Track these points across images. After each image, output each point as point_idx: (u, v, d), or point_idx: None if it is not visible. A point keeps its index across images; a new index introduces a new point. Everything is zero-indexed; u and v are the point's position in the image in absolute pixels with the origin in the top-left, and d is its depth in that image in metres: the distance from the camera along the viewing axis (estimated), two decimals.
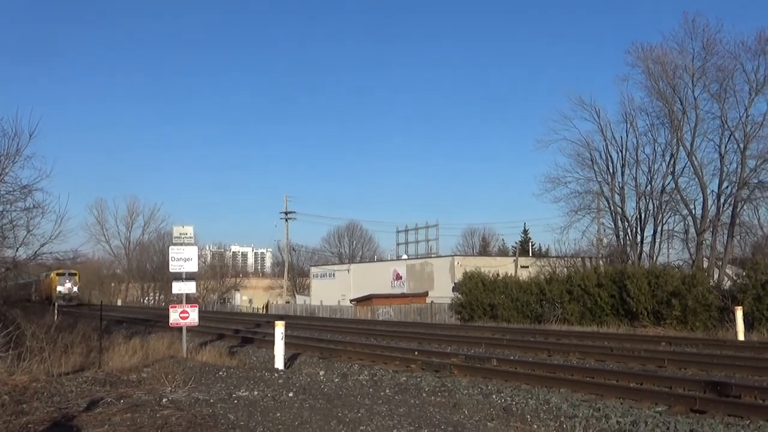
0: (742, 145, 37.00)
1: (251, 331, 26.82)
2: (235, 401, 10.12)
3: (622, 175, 42.23)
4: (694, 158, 38.92)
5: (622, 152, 42.47)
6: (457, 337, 22.03)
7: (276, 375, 13.14)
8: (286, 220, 62.42)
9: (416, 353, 17.44)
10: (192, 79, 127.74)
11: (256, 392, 10.88)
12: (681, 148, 39.83)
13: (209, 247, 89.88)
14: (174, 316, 16.78)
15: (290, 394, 10.63)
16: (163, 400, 10.16)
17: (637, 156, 42.05)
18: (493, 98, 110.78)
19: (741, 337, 20.44)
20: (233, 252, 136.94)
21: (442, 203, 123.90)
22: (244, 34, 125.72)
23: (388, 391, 11.54)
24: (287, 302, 66.39)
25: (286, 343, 15.79)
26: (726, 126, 37.95)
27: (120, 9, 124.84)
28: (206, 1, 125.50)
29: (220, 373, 13.15)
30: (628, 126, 42.26)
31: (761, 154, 36.38)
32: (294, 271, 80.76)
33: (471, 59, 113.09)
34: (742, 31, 58.40)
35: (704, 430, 8.41)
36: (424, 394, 11.35)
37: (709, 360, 14.64)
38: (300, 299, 68.13)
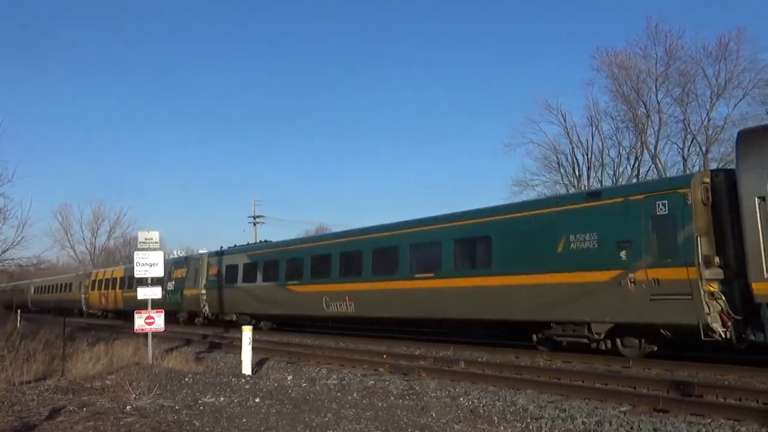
0: (704, 149, 37.78)
1: (219, 336, 26.55)
2: (201, 407, 10.03)
3: (588, 177, 42.88)
4: (657, 161, 39.64)
5: (587, 155, 43.17)
6: (420, 339, 22.07)
7: (243, 380, 13.04)
8: (255, 224, 62.01)
9: (384, 356, 17.45)
10: (159, 81, 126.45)
11: (222, 398, 10.78)
12: (645, 151, 40.57)
13: (177, 252, 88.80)
14: (139, 322, 16.56)
15: (257, 400, 10.55)
16: (127, 407, 10.04)
17: (602, 159, 42.76)
18: (461, 100, 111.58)
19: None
20: None
21: (410, 206, 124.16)
22: (212, 35, 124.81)
23: (355, 394, 11.52)
24: None
25: (254, 348, 15.67)
26: (688, 130, 38.75)
27: (79, 10, 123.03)
28: (163, 2, 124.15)
29: (186, 379, 13.01)
30: (594, 129, 43.00)
31: (723, 157, 37.15)
32: None
33: (438, 60, 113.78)
34: (703, 37, 59.35)
35: (667, 429, 8.53)
36: (392, 397, 11.36)
37: (673, 360, 14.85)
38: None
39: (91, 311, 49.81)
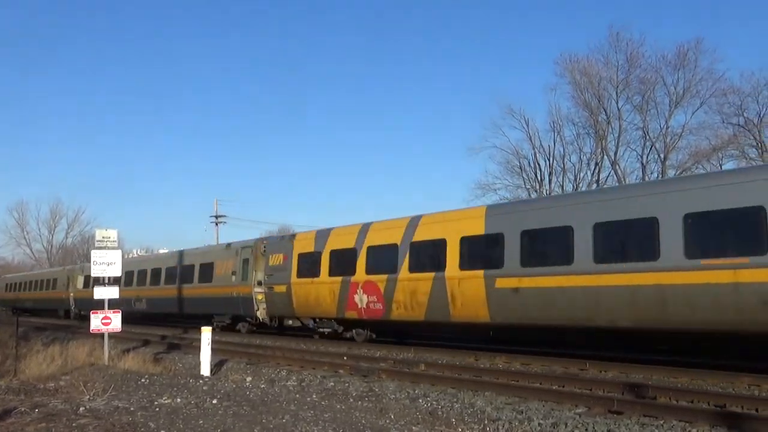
0: (662, 156, 38.54)
1: (178, 337, 26.25)
2: (157, 409, 9.89)
3: (550, 182, 43.47)
4: (617, 167, 40.32)
5: (549, 160, 43.78)
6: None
7: (201, 382, 12.92)
8: (217, 224, 61.42)
9: (345, 358, 17.42)
10: (118, 75, 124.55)
11: (179, 399, 10.66)
12: (605, 157, 41.22)
13: (136, 251, 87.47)
14: (95, 322, 16.27)
15: (214, 401, 10.46)
16: (81, 409, 9.86)
17: (563, 164, 43.39)
18: (424, 104, 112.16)
19: None
20: None
21: (374, 208, 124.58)
22: (169, 28, 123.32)
23: (315, 396, 11.48)
24: None
25: (213, 349, 15.52)
26: (648, 137, 39.53)
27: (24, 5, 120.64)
28: None
29: (143, 381, 12.84)
30: (556, 135, 43.62)
31: (680, 164, 37.96)
32: None
33: (405, 61, 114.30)
34: (663, 46, 60.73)
35: (620, 430, 8.67)
36: (351, 399, 11.34)
37: (630, 362, 15.10)
38: None
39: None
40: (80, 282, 42.17)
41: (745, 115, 38.30)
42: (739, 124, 38.43)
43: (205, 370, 14.69)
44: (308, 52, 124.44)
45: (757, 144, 37.84)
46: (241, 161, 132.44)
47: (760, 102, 38.02)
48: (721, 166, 37.38)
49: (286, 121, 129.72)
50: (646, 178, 37.93)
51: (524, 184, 44.11)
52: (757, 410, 9.58)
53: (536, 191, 42.59)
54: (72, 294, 43.91)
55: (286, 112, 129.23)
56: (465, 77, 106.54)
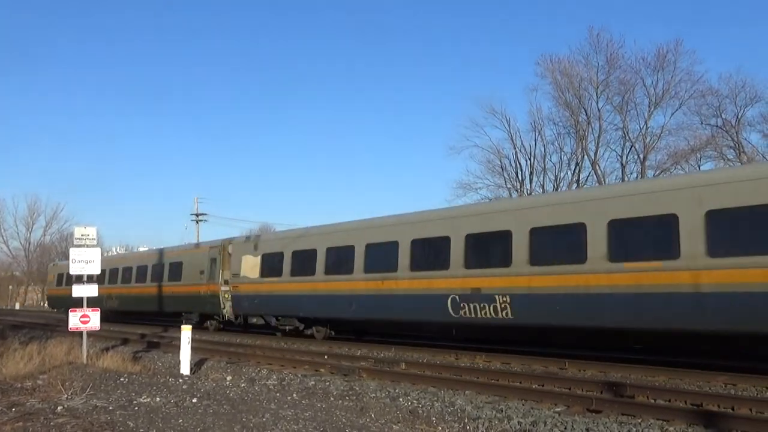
0: (641, 156, 38.90)
1: (158, 336, 26.09)
2: (136, 408, 9.83)
3: (530, 182, 43.73)
4: (597, 167, 40.63)
5: (530, 160, 44.02)
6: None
7: (181, 380, 12.85)
8: (197, 222, 61.10)
9: (326, 357, 17.41)
10: (97, 72, 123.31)
11: (158, 398, 10.59)
12: (585, 157, 41.52)
13: (116, 249, 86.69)
14: (74, 320, 16.12)
15: (194, 400, 10.41)
16: (59, 408, 9.77)
17: (544, 164, 43.66)
18: (406, 104, 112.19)
19: None
20: None
21: (354, 206, 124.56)
22: (146, 26, 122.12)
23: (295, 395, 11.47)
24: None
25: (194, 348, 15.44)
26: (627, 137, 39.89)
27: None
28: None
29: (122, 379, 12.75)
30: (537, 135, 43.86)
31: (659, 164, 38.34)
32: None
33: (385, 60, 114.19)
34: (642, 48, 61.38)
35: (599, 428, 8.75)
36: (332, 398, 11.34)
37: (608, 361, 15.25)
38: None
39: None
40: (249, 265, 25.18)
41: (722, 116, 38.82)
42: (717, 125, 38.92)
43: (185, 369, 14.60)
44: (291, 51, 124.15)
45: (735, 145, 38.33)
46: (223, 159, 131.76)
47: (738, 104, 38.58)
48: (699, 166, 37.86)
49: (267, 120, 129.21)
50: (626, 179, 38.29)
51: (505, 183, 44.38)
52: (733, 408, 9.71)
53: (517, 190, 42.83)
54: (229, 287, 26.27)
55: (266, 110, 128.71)
56: (447, 78, 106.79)
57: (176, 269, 30.17)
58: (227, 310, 26.53)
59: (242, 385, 12.72)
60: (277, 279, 23.55)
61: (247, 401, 10.43)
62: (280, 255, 23.62)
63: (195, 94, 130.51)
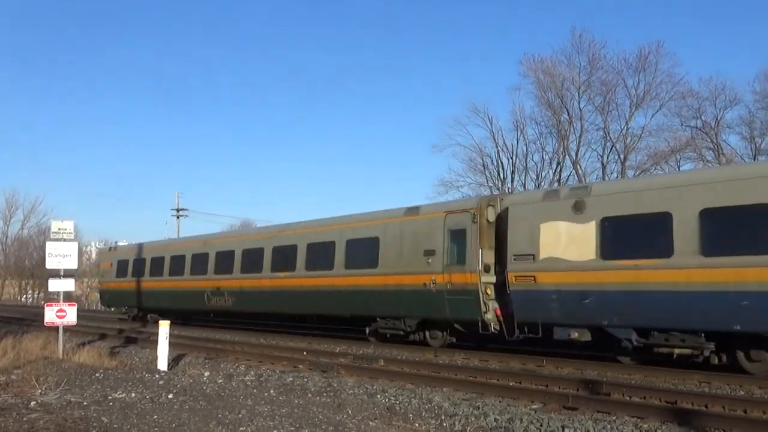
0: (622, 156, 39.19)
1: (136, 331, 25.87)
2: (111, 403, 9.75)
3: (512, 181, 43.89)
4: (578, 167, 40.88)
5: (512, 159, 44.19)
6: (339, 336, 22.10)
7: (157, 376, 12.76)
8: (178, 217, 60.67)
9: (305, 353, 17.38)
10: (75, 67, 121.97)
11: (133, 394, 10.52)
12: (567, 156, 41.75)
13: (95, 244, 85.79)
14: (50, 315, 15.98)
15: (170, 396, 10.34)
16: (32, 403, 9.67)
17: (526, 163, 43.85)
18: (389, 102, 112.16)
19: None
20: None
21: (337, 204, 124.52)
22: (127, 18, 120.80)
23: (272, 391, 11.43)
24: None
25: (171, 343, 15.32)
26: (608, 137, 40.16)
27: None
28: None
29: (97, 375, 12.63)
30: (519, 134, 44.03)
31: (639, 165, 38.64)
32: None
33: (369, 58, 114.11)
34: (624, 49, 61.80)
35: (574, 426, 8.80)
36: (309, 395, 11.32)
37: (585, 359, 15.35)
38: None
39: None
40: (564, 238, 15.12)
41: (702, 118, 39.20)
42: (696, 127, 39.31)
43: (162, 364, 14.49)
44: (272, 46, 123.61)
45: (714, 146, 38.73)
46: (205, 155, 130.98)
47: (717, 106, 38.97)
48: (678, 167, 38.18)
49: (248, 117, 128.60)
50: (606, 178, 38.51)
51: (487, 182, 44.51)
52: (706, 406, 9.81)
53: (498, 189, 42.95)
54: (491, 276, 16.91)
55: (248, 106, 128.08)
56: (430, 76, 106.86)
57: (366, 250, 19.71)
58: (491, 315, 16.69)
59: (219, 381, 12.66)
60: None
61: (224, 397, 10.38)
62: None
63: (178, 87, 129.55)
